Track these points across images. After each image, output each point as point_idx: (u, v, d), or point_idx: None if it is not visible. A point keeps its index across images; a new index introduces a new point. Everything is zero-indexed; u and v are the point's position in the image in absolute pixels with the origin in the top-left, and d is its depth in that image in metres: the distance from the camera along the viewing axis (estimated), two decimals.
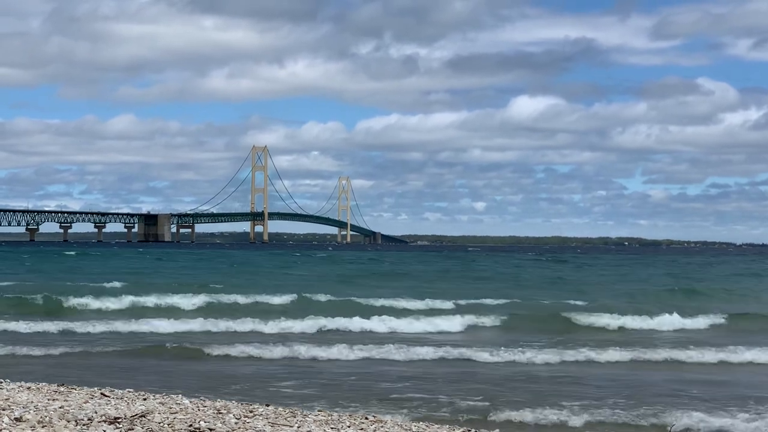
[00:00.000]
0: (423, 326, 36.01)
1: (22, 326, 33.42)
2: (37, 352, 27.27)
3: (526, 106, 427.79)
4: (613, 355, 28.01)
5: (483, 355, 27.55)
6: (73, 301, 42.57)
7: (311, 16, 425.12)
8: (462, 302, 44.59)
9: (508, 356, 27.58)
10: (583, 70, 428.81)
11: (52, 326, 33.54)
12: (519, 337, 33.22)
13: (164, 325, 34.50)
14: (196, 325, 34.93)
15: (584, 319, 38.61)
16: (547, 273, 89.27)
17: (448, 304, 43.50)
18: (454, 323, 36.87)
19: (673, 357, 28.24)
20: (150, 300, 43.24)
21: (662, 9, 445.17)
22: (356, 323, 35.68)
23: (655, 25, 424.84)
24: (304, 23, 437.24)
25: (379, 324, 35.64)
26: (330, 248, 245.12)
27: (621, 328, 37.45)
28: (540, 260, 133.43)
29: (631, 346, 29.81)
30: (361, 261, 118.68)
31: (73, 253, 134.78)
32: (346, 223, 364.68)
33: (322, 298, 46.44)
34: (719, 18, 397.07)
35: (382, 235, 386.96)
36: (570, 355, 28.07)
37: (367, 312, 39.04)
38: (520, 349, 28.58)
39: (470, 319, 37.70)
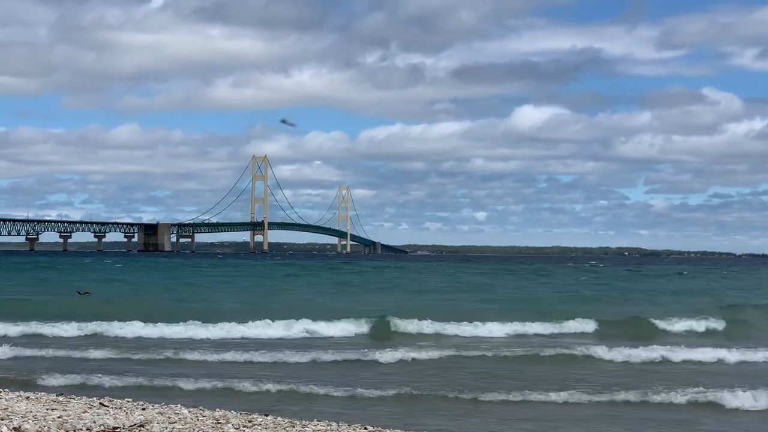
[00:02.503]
0: None
1: None
2: None
3: (530, 116, 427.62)
4: None
5: None
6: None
7: (317, 25, 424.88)
8: None
9: None
10: (589, 80, 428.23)
11: None
12: None
13: None
14: None
15: None
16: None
17: None
18: None
19: None
20: None
21: (669, 19, 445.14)
22: None
23: (662, 35, 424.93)
24: (311, 33, 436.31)
25: None
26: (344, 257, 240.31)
27: None
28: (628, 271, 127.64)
29: None
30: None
31: (119, 264, 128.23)
32: (346, 233, 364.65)
33: None
34: (725, 27, 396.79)
35: (382, 245, 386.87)
36: None
37: None
38: None
39: None
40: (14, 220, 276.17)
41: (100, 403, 16.56)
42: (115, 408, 16.06)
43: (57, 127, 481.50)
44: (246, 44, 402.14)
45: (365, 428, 15.70)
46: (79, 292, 53.18)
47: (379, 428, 15.94)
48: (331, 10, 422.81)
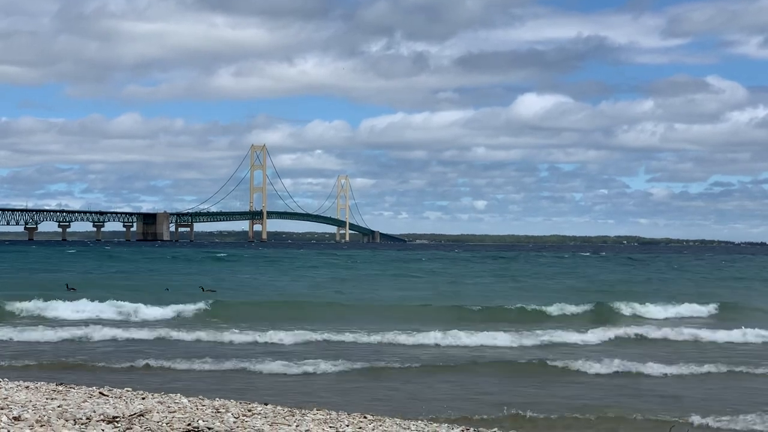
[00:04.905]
0: None
1: None
2: None
3: (532, 105, 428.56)
4: None
5: None
6: None
7: (322, 14, 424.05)
8: None
9: None
10: (593, 68, 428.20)
11: None
12: None
13: None
14: None
15: None
16: None
17: None
18: None
19: None
20: None
21: (674, 7, 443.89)
22: None
23: (667, 24, 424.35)
24: (315, 21, 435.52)
25: None
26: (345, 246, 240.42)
27: None
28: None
29: None
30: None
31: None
32: (344, 222, 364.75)
33: None
34: (731, 16, 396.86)
35: (381, 233, 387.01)
36: None
37: None
38: None
39: None
40: (13, 210, 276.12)
41: (100, 393, 16.58)
42: (115, 397, 16.08)
43: (59, 117, 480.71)
44: (250, 33, 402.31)
45: (365, 417, 15.73)
46: (67, 286, 52.77)
47: (379, 417, 15.97)
48: None
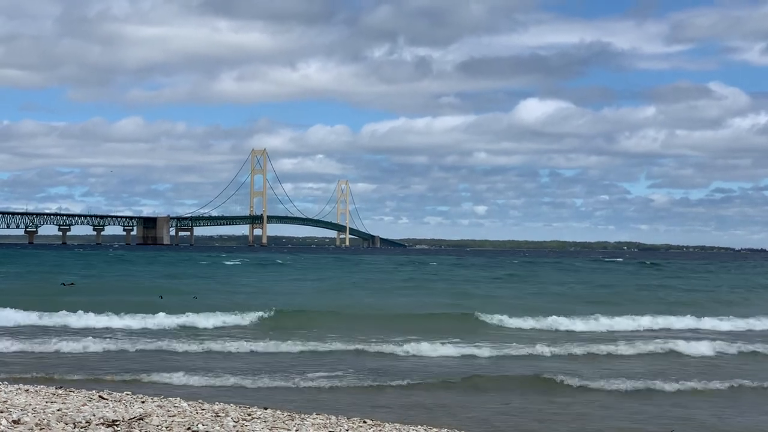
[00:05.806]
0: None
1: None
2: None
3: (534, 110, 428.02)
4: None
5: None
6: None
7: (325, 18, 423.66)
8: None
9: None
10: (596, 74, 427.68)
11: None
12: None
13: None
14: None
15: None
16: None
17: None
18: None
19: None
20: None
21: (677, 13, 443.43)
22: None
23: (670, 30, 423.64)
24: (318, 26, 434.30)
25: None
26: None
27: None
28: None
29: None
30: None
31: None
32: (344, 227, 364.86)
33: None
34: (734, 22, 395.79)
35: (381, 238, 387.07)
36: None
37: None
38: None
39: None
40: (13, 213, 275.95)
41: (100, 396, 16.59)
42: (115, 401, 16.09)
43: (61, 120, 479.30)
44: (253, 37, 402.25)
45: (364, 421, 15.74)
46: (63, 284, 52.92)
47: (378, 421, 15.97)
48: (338, 3, 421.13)
